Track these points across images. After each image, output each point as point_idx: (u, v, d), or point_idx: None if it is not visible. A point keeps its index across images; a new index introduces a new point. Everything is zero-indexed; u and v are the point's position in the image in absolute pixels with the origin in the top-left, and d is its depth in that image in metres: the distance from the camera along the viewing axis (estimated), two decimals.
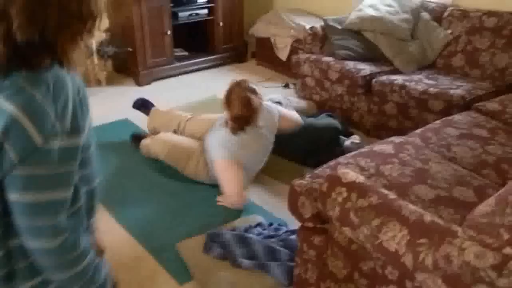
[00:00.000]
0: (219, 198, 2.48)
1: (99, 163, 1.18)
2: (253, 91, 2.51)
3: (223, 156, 2.45)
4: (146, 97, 3.89)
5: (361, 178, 1.53)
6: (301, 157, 2.86)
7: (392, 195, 1.46)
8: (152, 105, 3.26)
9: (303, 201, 1.74)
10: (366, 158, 1.96)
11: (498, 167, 2.01)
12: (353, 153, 2.04)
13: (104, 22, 4.10)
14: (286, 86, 4.27)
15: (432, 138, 2.24)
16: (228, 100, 2.52)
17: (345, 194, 1.47)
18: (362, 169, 1.87)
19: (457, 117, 2.49)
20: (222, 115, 2.66)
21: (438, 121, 2.45)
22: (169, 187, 2.65)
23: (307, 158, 2.82)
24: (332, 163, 1.94)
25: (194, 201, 2.52)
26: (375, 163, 1.92)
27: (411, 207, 1.40)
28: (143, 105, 3.29)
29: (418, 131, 2.35)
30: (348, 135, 3.08)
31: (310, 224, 1.74)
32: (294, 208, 1.80)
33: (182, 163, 2.69)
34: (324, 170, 1.88)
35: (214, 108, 3.75)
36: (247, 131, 2.50)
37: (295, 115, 2.84)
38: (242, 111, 2.47)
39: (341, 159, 1.97)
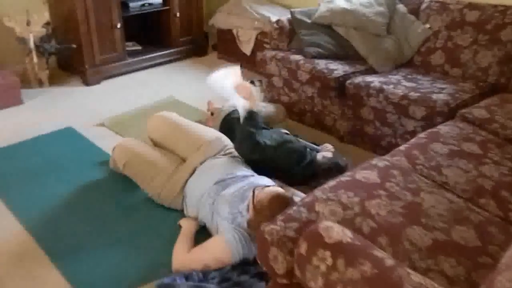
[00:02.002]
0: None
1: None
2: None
3: (231, 247, 1.87)
4: (97, 100, 3.50)
5: (348, 235, 1.22)
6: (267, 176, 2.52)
7: (389, 260, 1.15)
8: None
9: (275, 254, 1.42)
10: (348, 191, 1.65)
11: (496, 195, 1.74)
12: (331, 183, 1.72)
13: (44, 15, 3.62)
14: (252, 83, 3.89)
15: (420, 158, 1.95)
16: (263, 207, 1.85)
17: (329, 261, 1.16)
18: (344, 207, 1.56)
19: (443, 128, 2.22)
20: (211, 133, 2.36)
21: (423, 134, 2.17)
22: (119, 217, 2.25)
23: (275, 179, 2.48)
24: (307, 198, 1.62)
25: (147, 234, 2.15)
26: (359, 198, 1.61)
27: (415, 279, 1.10)
28: None
29: (403, 147, 2.06)
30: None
31: (284, 281, 1.42)
32: (264, 261, 1.47)
33: (145, 179, 2.29)
34: (298, 209, 1.56)
35: (172, 110, 3.35)
36: None
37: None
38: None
39: (319, 192, 1.65)
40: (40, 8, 3.70)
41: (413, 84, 2.70)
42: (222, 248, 1.87)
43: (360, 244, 1.20)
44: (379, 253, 1.18)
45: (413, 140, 2.13)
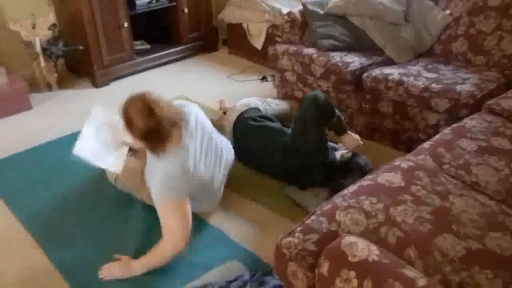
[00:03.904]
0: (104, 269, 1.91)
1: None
2: (154, 101, 1.83)
3: (166, 195, 1.86)
4: (106, 102, 3.41)
5: (375, 252, 1.10)
6: (282, 178, 2.43)
7: (421, 280, 1.04)
8: None
9: (293, 269, 1.32)
10: (370, 197, 1.53)
11: None
12: (352, 188, 1.60)
13: (49, 18, 3.54)
14: (264, 79, 3.79)
15: (446, 156, 1.82)
16: (126, 119, 1.83)
17: (355, 282, 1.05)
18: (367, 215, 1.45)
19: (469, 122, 2.08)
20: None
21: (448, 130, 2.03)
22: (125, 231, 2.15)
23: (290, 181, 2.38)
24: (327, 206, 1.51)
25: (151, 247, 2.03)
26: (383, 204, 1.49)
27: None
28: None
29: (427, 145, 1.93)
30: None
31: None
32: (283, 276, 1.38)
33: (138, 188, 2.20)
34: (318, 219, 1.44)
35: None
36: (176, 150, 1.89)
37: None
38: (147, 124, 1.79)
39: (339, 199, 1.53)
40: (45, 10, 3.63)
41: (435, 75, 2.55)
42: (164, 206, 1.84)
43: (388, 262, 1.08)
44: (409, 271, 1.07)
45: (437, 137, 1.99)
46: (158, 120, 1.78)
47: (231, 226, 2.17)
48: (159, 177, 1.85)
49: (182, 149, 1.90)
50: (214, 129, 2.20)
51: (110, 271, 1.88)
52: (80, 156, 2.13)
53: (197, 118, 2.07)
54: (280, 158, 2.32)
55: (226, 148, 2.26)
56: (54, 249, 2.04)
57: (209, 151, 2.07)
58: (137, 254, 1.96)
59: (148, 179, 1.96)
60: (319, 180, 2.25)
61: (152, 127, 1.78)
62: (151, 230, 2.10)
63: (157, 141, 1.84)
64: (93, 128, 2.26)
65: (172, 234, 1.84)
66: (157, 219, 1.99)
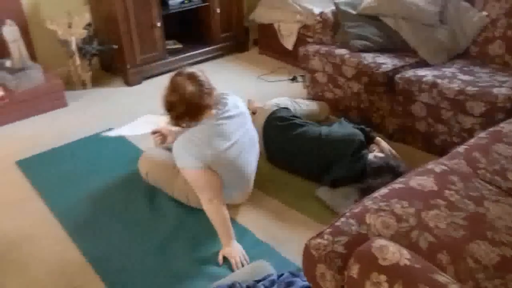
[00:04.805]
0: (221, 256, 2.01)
1: None
2: (192, 77, 2.00)
3: (187, 163, 2.03)
4: (138, 100, 3.48)
5: (406, 256, 1.09)
6: (314, 174, 2.42)
7: (453, 286, 1.01)
8: None
9: (322, 271, 1.31)
10: (402, 200, 1.50)
11: None
12: (383, 191, 1.58)
13: (85, 17, 3.62)
14: (294, 79, 3.78)
15: (481, 161, 1.77)
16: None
17: (385, 286, 1.03)
18: (398, 219, 1.42)
19: (506, 126, 2.02)
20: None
21: (483, 134, 1.98)
22: (157, 226, 2.19)
23: (322, 175, 2.38)
24: (357, 209, 1.49)
25: (181, 243, 2.08)
26: (414, 208, 1.46)
27: None
28: None
29: (461, 149, 1.88)
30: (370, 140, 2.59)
31: None
32: (311, 277, 1.37)
33: (168, 184, 2.27)
34: (347, 221, 1.43)
35: None
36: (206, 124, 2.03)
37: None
38: (168, 97, 2.01)
39: (369, 202, 1.52)
40: (81, 10, 3.72)
41: (470, 78, 2.49)
42: (187, 173, 2.03)
43: (419, 266, 1.06)
44: (441, 277, 1.04)
45: (472, 141, 1.94)
46: (177, 97, 1.97)
47: (259, 226, 2.18)
48: (179, 142, 2.03)
49: (210, 126, 2.03)
50: (249, 117, 2.29)
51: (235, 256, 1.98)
52: (107, 135, 2.47)
53: (237, 105, 2.19)
54: (314, 147, 2.39)
55: (257, 137, 2.36)
56: (87, 243, 2.09)
57: (245, 137, 2.16)
58: (164, 247, 2.03)
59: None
60: (350, 173, 2.27)
61: (171, 101, 1.99)
62: (180, 225, 2.17)
63: (178, 116, 2.01)
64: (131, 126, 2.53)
65: (202, 194, 2.03)
66: (185, 213, 2.03)
